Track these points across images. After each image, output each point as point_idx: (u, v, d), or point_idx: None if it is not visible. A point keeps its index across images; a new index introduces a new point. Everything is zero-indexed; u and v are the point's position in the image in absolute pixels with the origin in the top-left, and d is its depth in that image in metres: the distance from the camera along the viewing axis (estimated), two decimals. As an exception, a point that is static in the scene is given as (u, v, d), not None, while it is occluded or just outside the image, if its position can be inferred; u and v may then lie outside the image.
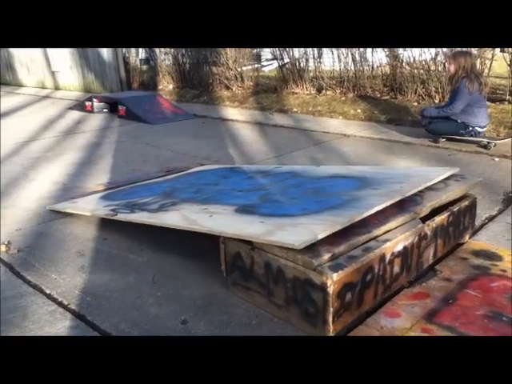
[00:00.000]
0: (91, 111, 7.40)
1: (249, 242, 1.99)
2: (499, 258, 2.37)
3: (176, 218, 2.46)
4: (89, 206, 3.12)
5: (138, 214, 2.67)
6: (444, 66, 6.19)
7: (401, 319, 1.90)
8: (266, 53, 9.69)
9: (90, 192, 3.57)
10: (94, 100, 7.48)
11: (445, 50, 6.21)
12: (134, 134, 5.90)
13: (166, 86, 9.88)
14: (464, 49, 5.35)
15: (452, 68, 4.63)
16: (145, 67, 10.88)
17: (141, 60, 11.10)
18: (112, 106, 7.32)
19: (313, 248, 1.80)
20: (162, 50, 9.95)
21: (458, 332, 1.79)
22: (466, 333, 1.79)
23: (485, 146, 4.54)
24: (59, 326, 1.98)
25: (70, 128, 6.37)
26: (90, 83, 10.11)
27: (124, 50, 10.01)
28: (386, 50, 6.81)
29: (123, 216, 2.68)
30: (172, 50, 9.73)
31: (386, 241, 1.97)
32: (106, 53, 9.54)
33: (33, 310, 2.11)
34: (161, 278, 2.36)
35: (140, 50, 10.90)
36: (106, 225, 2.93)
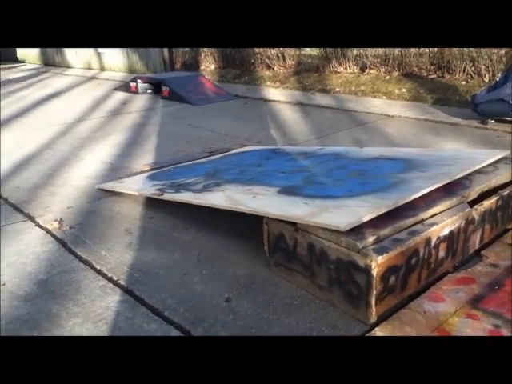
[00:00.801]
0: (136, 92, 7.55)
1: (292, 224, 2.01)
2: (551, 245, 2.29)
3: (220, 198, 2.50)
4: (135, 185, 3.22)
5: (184, 193, 2.74)
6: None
7: (445, 304, 1.88)
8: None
9: (137, 172, 3.68)
10: (139, 81, 7.61)
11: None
12: (177, 115, 5.99)
13: (208, 66, 9.92)
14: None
15: None
16: (187, 48, 10.94)
17: (183, 40, 11.13)
18: (156, 87, 7.44)
19: (357, 230, 1.80)
20: (204, 29, 9.96)
21: (504, 318, 1.76)
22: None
23: (538, 128, 4.34)
24: (109, 300, 2.08)
25: (116, 109, 6.53)
26: (134, 64, 10.30)
27: (167, 30, 10.07)
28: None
29: (169, 196, 2.76)
30: (214, 29, 9.72)
31: (432, 224, 1.94)
32: (149, 33, 9.64)
33: (85, 284, 2.21)
34: (205, 257, 2.42)
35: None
36: (152, 204, 3.02)
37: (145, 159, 4.13)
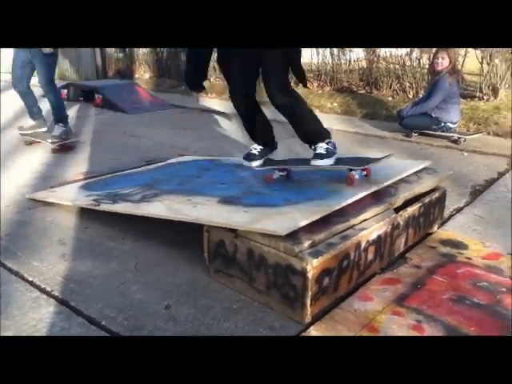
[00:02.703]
0: (67, 99, 7.30)
1: (232, 230, 2.07)
2: (465, 247, 2.52)
3: (161, 208, 2.51)
4: (69, 195, 3.14)
5: (122, 204, 2.71)
6: (419, 61, 6.36)
7: (373, 303, 2.02)
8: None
9: (70, 181, 3.57)
10: (70, 88, 7.37)
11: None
12: (112, 124, 5.87)
13: (143, 74, 9.80)
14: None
15: (445, 62, 4.71)
16: (121, 55, 10.74)
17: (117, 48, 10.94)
18: (88, 95, 7.22)
19: (294, 236, 1.90)
20: (139, 38, 9.84)
21: (425, 314, 1.93)
22: (432, 315, 1.92)
23: (455, 141, 4.72)
24: (43, 311, 2.02)
25: (45, 116, 6.27)
26: (65, 70, 9.93)
27: (100, 37, 9.84)
28: (362, 44, 6.94)
29: (106, 206, 2.72)
30: (149, 38, 9.63)
31: (362, 229, 2.09)
32: (81, 40, 9.36)
33: (16, 296, 2.13)
34: (143, 266, 2.41)
35: (116, 37, 10.71)
36: (87, 214, 2.95)
37: (78, 168, 4.02)
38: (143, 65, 9.77)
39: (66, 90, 7.35)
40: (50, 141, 4.54)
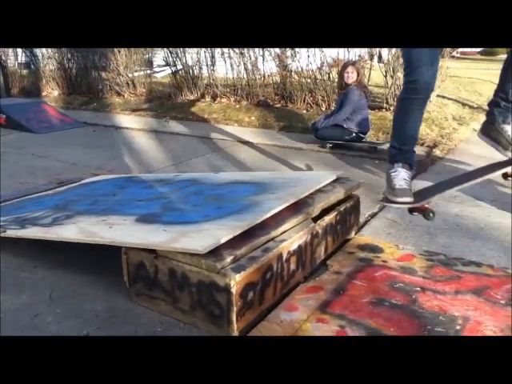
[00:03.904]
0: (-35, 120, 6.74)
1: (152, 251, 2.00)
2: (381, 250, 2.65)
3: (73, 231, 2.37)
4: (-30, 223, 2.87)
5: (30, 229, 2.53)
6: (329, 76, 6.67)
7: (298, 312, 2.04)
8: (158, 58, 9.58)
9: (-29, 208, 3.27)
10: (-31, 107, 6.82)
11: (329, 60, 6.70)
12: (18, 145, 5.51)
13: (51, 92, 9.34)
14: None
15: (354, 75, 4.99)
16: (25, 72, 10.16)
17: (20, 64, 10.36)
18: (-11, 114, 6.73)
19: (216, 252, 1.87)
20: (45, 53, 9.39)
21: (348, 319, 1.99)
22: (354, 319, 1.98)
23: (367, 150, 4.99)
24: None
25: None
26: (-38, 89, 9.19)
27: (-1, 51, 9.27)
28: (275, 59, 7.14)
29: (13, 232, 2.52)
30: (56, 53, 9.22)
31: (282, 241, 2.11)
32: (-21, 55, 8.76)
33: None
34: (59, 295, 2.26)
35: (19, 52, 10.17)
36: (-7, 243, 2.72)
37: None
38: (51, 82, 9.31)
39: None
40: None
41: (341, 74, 5.23)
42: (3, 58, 9.53)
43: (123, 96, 8.55)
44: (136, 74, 8.60)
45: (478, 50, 18.91)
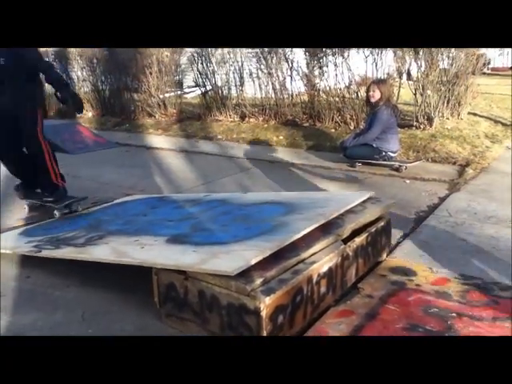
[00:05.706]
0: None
1: (182, 272, 2.01)
2: (414, 273, 2.58)
3: (106, 251, 2.42)
4: (8, 243, 2.96)
5: (64, 249, 2.59)
6: (357, 94, 6.65)
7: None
8: (188, 79, 9.77)
9: (8, 228, 3.38)
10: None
11: (357, 79, 6.69)
12: (54, 165, 5.66)
13: (85, 113, 9.62)
14: (383, 77, 5.82)
15: (376, 95, 4.97)
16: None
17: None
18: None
19: (245, 274, 1.87)
20: (80, 76, 9.71)
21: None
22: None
23: (397, 169, 4.92)
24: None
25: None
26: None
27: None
28: (303, 79, 7.17)
29: (48, 252, 2.59)
30: (90, 76, 9.52)
31: (312, 263, 2.09)
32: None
33: None
34: (90, 314, 2.29)
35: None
36: (28, 262, 2.79)
37: (17, 214, 3.82)
38: (85, 103, 9.60)
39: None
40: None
41: (366, 94, 5.23)
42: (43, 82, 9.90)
43: (154, 117, 8.73)
44: (167, 94, 8.78)
45: (510, 65, 18.55)
